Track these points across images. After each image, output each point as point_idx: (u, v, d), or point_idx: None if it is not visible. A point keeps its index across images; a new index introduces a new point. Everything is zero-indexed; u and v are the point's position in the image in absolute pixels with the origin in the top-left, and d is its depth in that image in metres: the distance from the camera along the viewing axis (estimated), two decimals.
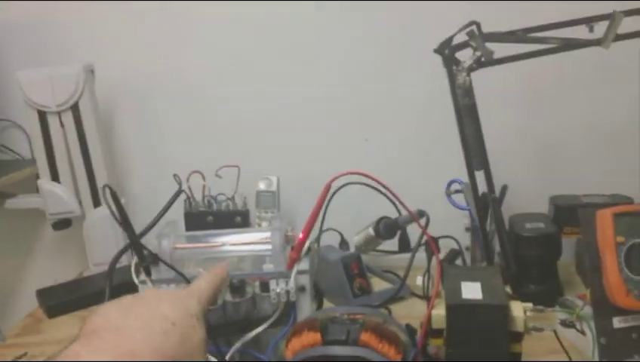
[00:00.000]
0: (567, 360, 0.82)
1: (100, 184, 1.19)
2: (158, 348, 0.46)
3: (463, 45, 0.89)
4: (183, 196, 1.12)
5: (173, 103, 1.30)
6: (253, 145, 1.28)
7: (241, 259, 0.75)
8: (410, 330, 0.65)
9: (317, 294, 0.79)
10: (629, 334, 0.82)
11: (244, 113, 1.28)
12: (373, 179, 0.74)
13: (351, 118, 1.26)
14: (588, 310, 0.84)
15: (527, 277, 1.00)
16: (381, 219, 1.02)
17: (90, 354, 0.44)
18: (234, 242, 0.74)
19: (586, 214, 0.86)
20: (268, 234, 0.72)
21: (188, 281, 0.71)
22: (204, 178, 1.16)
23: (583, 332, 0.86)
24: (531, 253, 1.00)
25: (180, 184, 0.86)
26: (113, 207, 0.71)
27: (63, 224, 1.25)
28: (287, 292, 0.70)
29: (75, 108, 1.15)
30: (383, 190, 1.08)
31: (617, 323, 0.82)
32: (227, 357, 0.69)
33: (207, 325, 0.50)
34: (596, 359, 0.81)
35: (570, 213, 1.05)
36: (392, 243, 1.15)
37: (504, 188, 1.06)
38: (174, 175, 0.89)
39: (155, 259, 0.71)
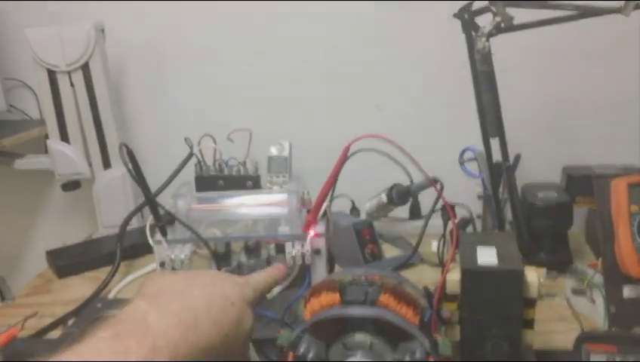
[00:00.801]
0: (577, 327, 0.82)
1: (110, 146, 1.19)
2: (217, 321, 0.47)
3: (483, 10, 0.88)
4: (193, 160, 1.12)
5: (185, 65, 1.29)
6: (266, 110, 1.27)
7: (255, 221, 0.75)
8: (427, 293, 0.65)
9: (329, 259, 0.80)
10: (638, 303, 0.83)
11: (257, 77, 1.26)
12: (392, 142, 0.73)
13: (364, 83, 1.25)
14: (599, 278, 0.85)
15: (539, 245, 1.00)
16: (394, 185, 1.02)
17: (157, 314, 0.44)
18: (250, 204, 0.74)
19: (601, 184, 0.86)
20: (283, 196, 0.72)
21: (204, 241, 0.71)
22: (215, 141, 1.15)
23: (592, 301, 0.86)
24: (543, 222, 0.99)
25: (190, 147, 0.85)
26: (130, 166, 0.70)
27: (72, 185, 1.24)
28: (303, 255, 0.70)
29: (85, 68, 1.14)
30: (397, 157, 1.08)
31: (628, 291, 0.83)
32: None
33: None
34: (606, 327, 0.82)
35: (582, 183, 1.05)
36: (402, 211, 1.15)
37: (517, 157, 1.05)
38: (185, 138, 0.88)
39: (172, 218, 0.71)
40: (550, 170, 1.13)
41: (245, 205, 0.74)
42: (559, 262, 0.98)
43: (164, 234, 0.74)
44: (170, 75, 1.30)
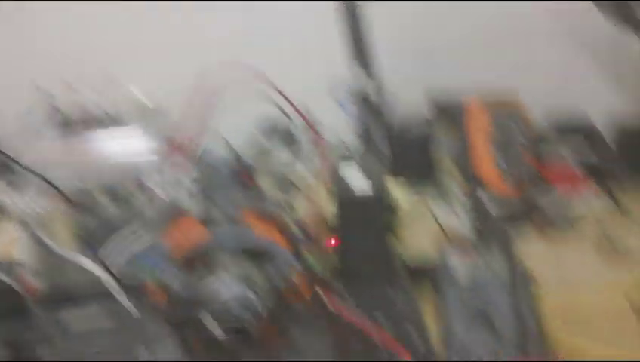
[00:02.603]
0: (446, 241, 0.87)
1: None
2: None
3: None
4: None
5: None
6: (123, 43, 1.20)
7: (117, 159, 0.71)
8: (294, 213, 0.66)
9: (205, 199, 0.78)
10: (499, 215, 0.89)
11: None
12: (257, 74, 0.72)
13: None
14: (463, 195, 0.90)
15: (410, 170, 1.03)
16: (268, 121, 1.00)
17: None
18: (110, 141, 0.70)
19: (460, 106, 0.90)
20: (148, 133, 0.69)
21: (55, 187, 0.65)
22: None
23: (457, 215, 0.91)
24: (413, 148, 1.03)
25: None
26: None
27: None
28: (167, 190, 0.68)
29: None
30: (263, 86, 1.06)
31: (489, 205, 0.88)
32: (106, 261, 0.66)
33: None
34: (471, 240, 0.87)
35: (447, 110, 1.09)
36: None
37: (388, 90, 1.08)
38: None
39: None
40: (418, 99, 1.16)
41: (104, 143, 0.70)
42: (426, 179, 1.02)
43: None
44: None
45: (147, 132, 0.69)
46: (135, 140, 0.71)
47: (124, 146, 0.70)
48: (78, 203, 0.73)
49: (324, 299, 0.61)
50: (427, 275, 0.69)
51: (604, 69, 1.30)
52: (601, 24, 1.19)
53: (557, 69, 1.28)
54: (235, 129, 1.11)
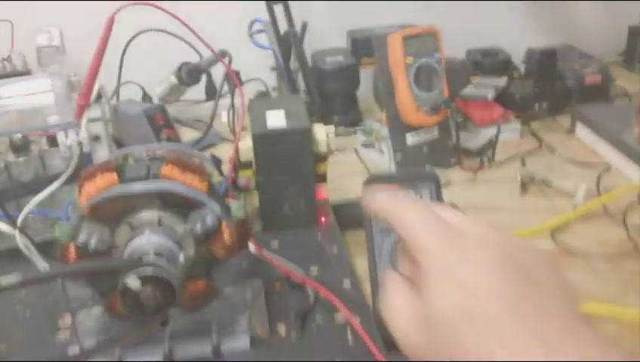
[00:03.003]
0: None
1: None
2: None
3: None
4: None
5: None
6: None
7: (20, 113, 0.66)
8: (215, 160, 0.63)
9: (119, 148, 0.74)
10: (420, 148, 0.90)
11: None
12: (166, 12, 0.67)
13: None
14: (384, 131, 0.90)
15: (331, 108, 1.03)
16: (182, 64, 0.97)
17: None
18: (9, 94, 0.65)
19: (379, 40, 0.89)
20: (47, 81, 0.64)
21: None
22: None
23: (381, 152, 0.92)
24: (333, 85, 1.02)
25: None
26: None
27: None
28: (80, 143, 0.64)
29: None
30: (185, 36, 1.02)
31: (410, 138, 0.89)
32: (19, 222, 0.63)
33: None
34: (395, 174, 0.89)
35: (366, 45, 1.07)
36: (199, 93, 1.11)
37: (304, 25, 1.05)
38: None
39: None
40: (336, 35, 1.14)
41: (2, 97, 0.64)
42: (351, 121, 1.02)
43: None
44: None
45: (53, 78, 0.63)
46: (41, 88, 0.65)
47: (30, 96, 0.65)
48: None
49: (251, 247, 0.60)
50: (353, 215, 0.69)
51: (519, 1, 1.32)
52: None
53: (473, 5, 1.29)
54: (148, 72, 1.07)
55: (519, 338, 0.33)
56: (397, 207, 0.40)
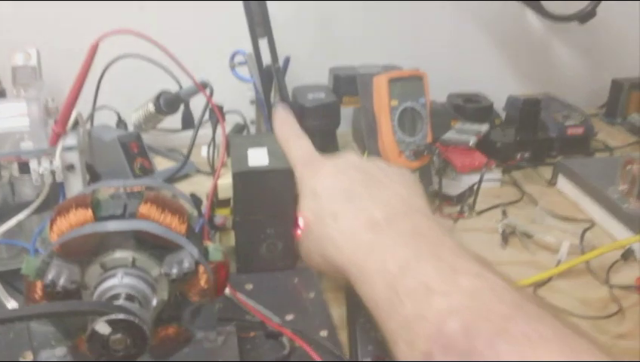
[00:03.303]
0: None
1: None
2: None
3: None
4: None
5: None
6: (4, 13, 1.08)
7: None
8: (195, 200, 0.61)
9: (93, 178, 0.72)
10: None
11: None
12: (152, 41, 0.65)
13: None
14: None
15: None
16: (161, 92, 0.95)
17: None
18: None
19: (364, 80, 0.89)
20: (22, 105, 0.61)
21: None
22: None
23: None
24: (314, 122, 1.01)
25: None
26: None
27: None
28: (52, 172, 0.61)
29: None
30: (165, 63, 1.00)
31: None
32: None
33: None
34: None
35: (348, 83, 1.07)
36: (175, 122, 1.09)
37: (287, 60, 1.05)
38: None
39: None
40: (318, 71, 1.14)
41: None
42: (326, 151, 1.01)
43: None
44: None
45: (29, 102, 0.61)
46: (15, 112, 0.62)
47: (3, 119, 0.62)
48: None
49: (227, 291, 0.57)
50: None
51: (502, 49, 1.34)
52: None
53: (456, 50, 1.30)
54: (123, 97, 1.04)
55: (350, 221, 0.45)
56: (288, 140, 0.59)
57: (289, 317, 0.62)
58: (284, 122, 0.62)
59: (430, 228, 0.43)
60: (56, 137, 0.62)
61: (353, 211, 0.46)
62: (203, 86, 0.84)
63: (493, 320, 0.32)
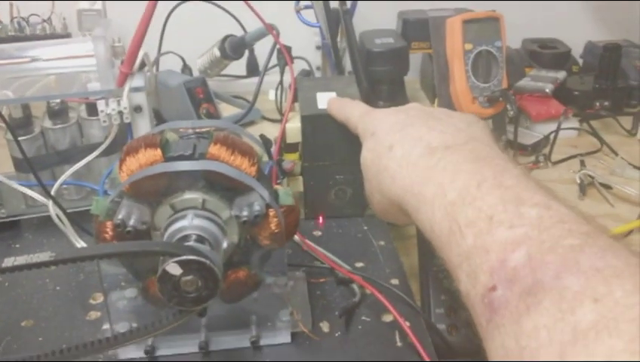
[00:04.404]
0: None
1: None
2: None
3: None
4: None
5: None
6: None
7: (59, 77, 0.63)
8: (265, 141, 0.59)
9: (159, 123, 0.71)
10: None
11: None
12: None
13: None
14: None
15: (377, 93, 0.98)
16: (226, 37, 0.93)
17: None
18: (49, 57, 0.61)
19: (437, 22, 0.84)
20: (89, 46, 0.60)
21: None
22: None
23: None
24: (381, 68, 0.97)
25: None
26: None
27: None
28: (120, 113, 0.60)
29: None
30: (228, 6, 0.98)
31: None
32: (53, 192, 0.60)
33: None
34: None
35: (417, 28, 1.02)
36: (240, 69, 1.07)
37: (354, 3, 1.00)
38: None
39: None
40: (386, 15, 1.09)
41: (42, 59, 0.61)
42: (395, 98, 0.97)
43: None
44: None
45: (95, 42, 0.60)
46: (82, 52, 0.62)
47: (70, 60, 0.61)
48: (13, 119, 0.64)
49: (297, 237, 0.56)
50: None
51: None
52: None
53: None
54: (188, 43, 1.03)
55: (406, 149, 0.44)
56: (342, 107, 0.60)
57: (359, 265, 0.60)
58: (338, 99, 0.64)
59: (492, 156, 0.39)
60: (124, 77, 0.61)
61: (408, 140, 0.44)
62: (270, 27, 0.81)
63: (560, 253, 0.29)
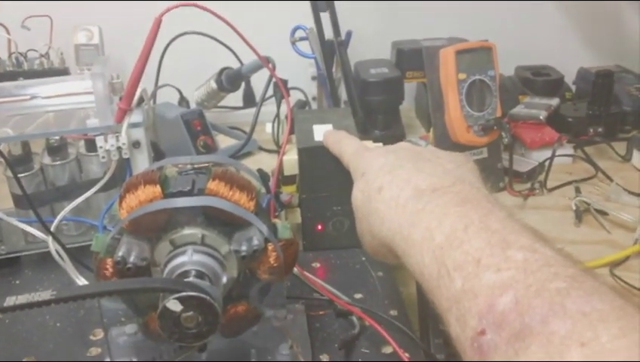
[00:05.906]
0: None
1: None
2: None
3: None
4: None
5: None
6: None
7: (58, 114, 0.64)
8: (262, 175, 0.60)
9: (157, 156, 0.72)
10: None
11: None
12: (212, 12, 0.64)
13: None
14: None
15: (373, 122, 0.99)
16: (223, 69, 0.94)
17: None
18: (48, 94, 0.62)
19: (430, 53, 0.85)
20: (87, 83, 0.61)
21: None
22: (8, 31, 0.98)
23: None
24: (377, 97, 0.98)
25: None
26: None
27: None
28: (119, 148, 0.61)
29: None
30: (225, 40, 0.99)
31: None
32: (52, 228, 0.60)
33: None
34: None
35: (411, 58, 1.04)
36: (236, 100, 1.08)
37: (349, 34, 1.02)
38: None
39: None
40: (381, 45, 1.11)
41: (41, 96, 0.62)
42: (393, 137, 0.98)
43: None
44: None
45: (94, 79, 0.60)
46: (81, 89, 0.62)
47: (69, 97, 0.62)
48: (12, 156, 0.65)
49: (296, 269, 0.56)
50: None
51: (571, 18, 1.27)
52: None
53: (523, 21, 1.24)
54: (185, 75, 1.04)
55: (394, 192, 0.44)
56: (337, 142, 0.61)
57: (358, 296, 0.60)
58: (334, 132, 0.65)
59: (478, 198, 0.40)
60: (122, 114, 0.61)
61: (397, 182, 0.45)
62: (266, 60, 0.82)
63: (547, 297, 0.29)
